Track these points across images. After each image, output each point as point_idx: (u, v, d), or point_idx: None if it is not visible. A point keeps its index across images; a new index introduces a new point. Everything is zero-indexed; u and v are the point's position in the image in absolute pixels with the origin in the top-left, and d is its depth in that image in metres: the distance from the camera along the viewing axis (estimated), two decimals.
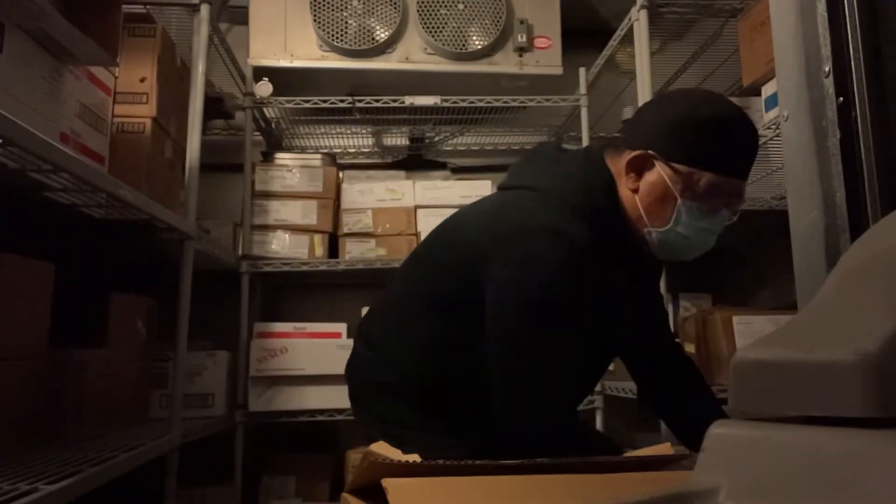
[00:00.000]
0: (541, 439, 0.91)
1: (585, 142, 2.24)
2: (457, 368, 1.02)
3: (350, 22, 2.06)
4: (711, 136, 0.94)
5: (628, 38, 1.85)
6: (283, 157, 2.23)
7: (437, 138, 2.51)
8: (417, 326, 1.04)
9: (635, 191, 0.98)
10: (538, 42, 2.15)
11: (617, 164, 1.01)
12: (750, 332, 1.69)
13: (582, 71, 2.25)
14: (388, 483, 0.49)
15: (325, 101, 2.12)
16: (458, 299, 1.00)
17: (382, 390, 1.07)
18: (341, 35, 2.05)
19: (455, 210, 2.09)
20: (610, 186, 1.00)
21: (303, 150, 2.53)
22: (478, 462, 0.55)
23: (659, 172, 0.95)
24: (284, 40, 2.08)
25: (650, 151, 0.96)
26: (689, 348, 1.81)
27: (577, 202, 0.96)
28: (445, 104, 2.12)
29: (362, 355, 1.13)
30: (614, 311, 1.04)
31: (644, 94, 1.71)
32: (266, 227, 2.09)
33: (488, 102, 2.14)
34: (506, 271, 0.94)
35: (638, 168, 0.97)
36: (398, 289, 1.14)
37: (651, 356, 1.19)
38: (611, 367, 2.14)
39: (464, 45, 2.09)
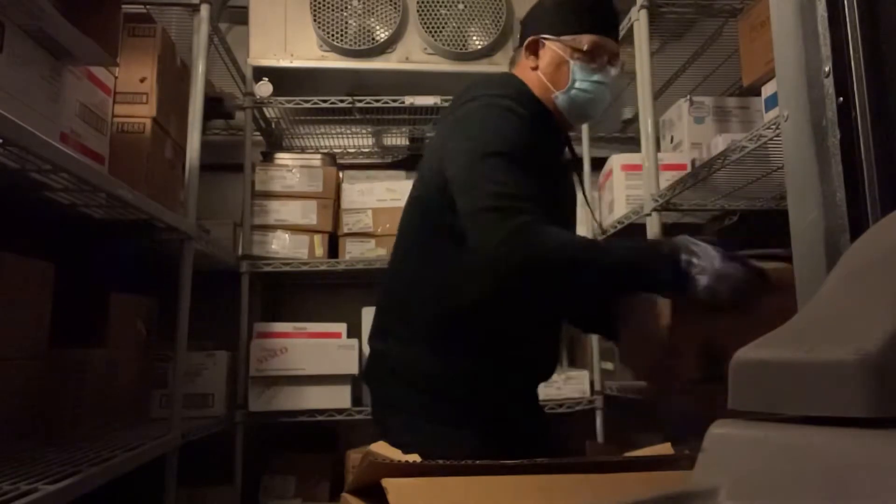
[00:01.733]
0: (536, 252, 0.94)
1: (586, 142, 2.24)
2: (454, 316, 1.06)
3: (350, 22, 2.06)
4: (580, 6, 1.18)
5: (628, 38, 1.85)
6: (283, 157, 2.23)
7: None
8: (406, 281, 1.13)
9: (536, 68, 1.18)
10: None
11: (515, 65, 1.23)
12: None
13: None
14: (388, 483, 0.49)
15: (325, 101, 2.12)
16: (435, 209, 1.08)
17: (394, 379, 1.10)
18: (341, 35, 2.05)
19: None
20: (515, 77, 1.18)
21: (303, 150, 2.53)
22: (478, 462, 0.55)
23: (550, 48, 1.17)
24: (284, 40, 2.08)
25: (539, 36, 1.18)
26: None
27: (501, 91, 1.10)
28: (445, 104, 2.12)
29: (373, 349, 1.18)
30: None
31: (644, 94, 1.71)
32: (266, 227, 2.09)
33: None
34: (461, 132, 1.06)
35: (534, 50, 1.18)
36: (388, 271, 1.23)
37: None
38: (610, 367, 2.14)
39: (464, 45, 2.09)
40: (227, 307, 2.04)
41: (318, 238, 2.11)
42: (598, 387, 2.15)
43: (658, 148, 1.80)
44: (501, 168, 0.98)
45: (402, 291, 1.14)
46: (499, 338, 1.08)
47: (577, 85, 1.16)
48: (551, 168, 1.16)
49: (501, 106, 1.06)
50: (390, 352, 1.12)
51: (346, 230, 2.13)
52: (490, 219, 0.94)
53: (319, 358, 1.96)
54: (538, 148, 1.07)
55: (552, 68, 1.17)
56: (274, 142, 2.47)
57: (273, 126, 2.38)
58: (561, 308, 1.21)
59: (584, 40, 1.16)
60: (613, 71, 1.19)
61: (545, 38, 1.17)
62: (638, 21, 1.74)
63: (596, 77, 1.17)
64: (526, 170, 0.99)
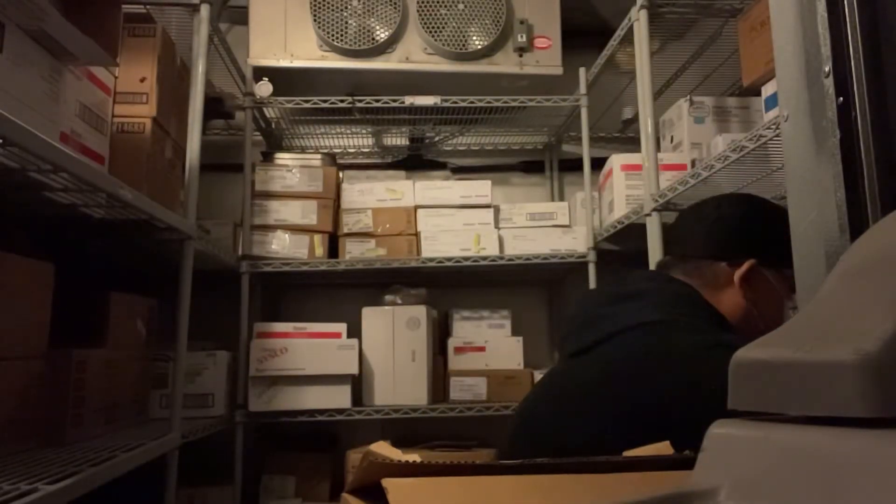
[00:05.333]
0: None
1: (586, 142, 2.24)
2: None
3: (350, 22, 2.06)
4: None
5: (628, 38, 1.85)
6: (283, 157, 2.23)
7: (437, 138, 2.51)
8: None
9: (752, 300, 0.98)
10: (538, 42, 2.15)
11: (703, 278, 1.00)
12: None
13: (582, 71, 2.25)
14: (388, 483, 0.49)
15: (325, 101, 2.12)
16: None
17: None
18: (341, 35, 2.05)
19: (455, 209, 2.12)
20: (701, 298, 0.98)
21: (303, 150, 2.53)
22: (478, 462, 0.55)
23: (768, 280, 0.98)
24: (284, 40, 2.08)
25: (755, 261, 0.97)
26: None
27: (702, 321, 0.93)
28: (445, 104, 2.12)
29: None
30: None
31: (644, 94, 1.71)
32: (266, 227, 2.09)
33: (488, 102, 2.14)
34: (690, 387, 0.83)
35: (748, 279, 0.98)
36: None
37: None
38: None
39: (464, 45, 2.09)
40: (227, 307, 2.04)
41: (318, 238, 2.11)
42: None
43: (658, 148, 1.80)
44: None
45: None
46: None
47: None
48: None
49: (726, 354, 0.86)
50: None
51: (346, 230, 2.13)
52: None
53: (319, 358, 1.96)
54: None
55: (771, 307, 0.98)
56: (274, 142, 2.47)
57: (273, 126, 2.38)
58: None
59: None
60: None
61: (765, 267, 0.98)
62: (638, 21, 1.74)
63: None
64: None
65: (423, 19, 2.07)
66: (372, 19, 2.07)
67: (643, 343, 0.89)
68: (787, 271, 0.94)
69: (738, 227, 1.02)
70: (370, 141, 2.53)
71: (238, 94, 2.19)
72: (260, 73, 2.07)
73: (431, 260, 2.08)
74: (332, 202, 2.14)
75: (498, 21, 2.09)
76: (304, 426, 2.03)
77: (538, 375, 2.06)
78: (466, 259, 2.08)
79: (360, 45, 2.06)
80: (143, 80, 1.48)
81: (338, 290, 2.43)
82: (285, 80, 2.09)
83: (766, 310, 0.98)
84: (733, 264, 0.99)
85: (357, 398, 2.01)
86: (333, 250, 2.14)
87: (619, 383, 0.88)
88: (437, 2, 2.08)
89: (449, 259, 2.08)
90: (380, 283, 2.27)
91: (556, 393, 0.98)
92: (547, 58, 2.15)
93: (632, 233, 1.87)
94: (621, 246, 2.15)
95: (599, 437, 0.87)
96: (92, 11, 1.16)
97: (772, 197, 1.74)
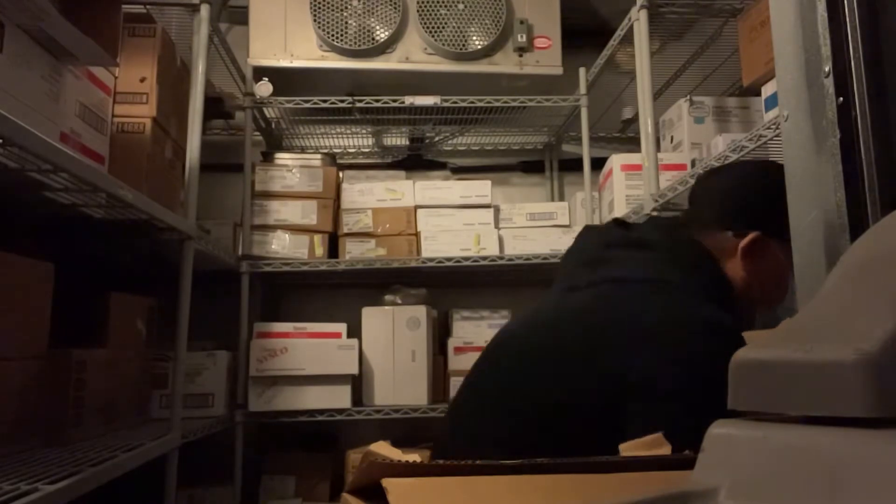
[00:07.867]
0: None
1: (586, 142, 2.24)
2: None
3: (350, 22, 2.06)
4: None
5: (628, 38, 1.85)
6: (283, 157, 2.23)
7: (437, 138, 2.51)
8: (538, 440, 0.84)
9: (752, 273, 0.94)
10: (538, 42, 2.15)
11: (710, 243, 0.96)
12: None
13: (582, 71, 2.25)
14: (388, 483, 0.49)
15: (325, 101, 2.12)
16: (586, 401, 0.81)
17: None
18: (341, 35, 2.05)
19: (455, 209, 2.12)
20: (722, 272, 0.94)
21: (303, 150, 2.53)
22: (478, 462, 0.55)
23: (775, 252, 0.93)
24: (284, 40, 2.08)
25: (760, 233, 0.93)
26: None
27: (714, 293, 0.89)
28: (445, 104, 2.12)
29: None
30: None
31: (644, 94, 1.71)
32: (266, 227, 2.09)
33: (488, 102, 2.14)
34: (668, 369, 0.79)
35: (752, 251, 0.94)
36: (495, 398, 0.91)
37: None
38: None
39: (464, 45, 2.09)
40: (227, 307, 2.04)
41: (318, 238, 2.11)
42: None
43: (658, 148, 1.80)
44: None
45: None
46: None
47: (789, 304, 0.97)
48: None
49: (721, 341, 0.76)
50: None
51: (346, 230, 2.13)
52: None
53: (319, 358, 1.96)
54: None
55: (775, 280, 0.95)
56: (274, 142, 2.47)
57: (273, 126, 2.38)
58: None
59: None
60: None
61: (771, 239, 0.93)
62: (638, 21, 1.74)
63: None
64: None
65: (423, 19, 2.07)
66: (372, 19, 2.07)
67: (635, 303, 0.84)
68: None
69: (745, 198, 0.98)
70: (370, 141, 2.53)
71: (238, 94, 2.19)
72: (260, 73, 2.07)
73: (431, 260, 2.08)
74: (332, 202, 2.14)
75: (498, 21, 2.09)
76: (304, 426, 2.03)
77: None
78: (466, 259, 2.08)
79: (360, 45, 2.06)
80: (143, 80, 1.49)
81: (338, 290, 2.43)
82: (285, 80, 2.09)
83: (766, 282, 0.95)
84: (738, 234, 0.95)
85: (357, 398, 2.01)
86: (333, 250, 2.14)
87: (600, 344, 0.82)
88: (437, 2, 2.08)
89: (449, 259, 2.08)
90: (380, 283, 2.27)
91: (545, 321, 0.93)
92: (547, 58, 2.15)
93: None
94: None
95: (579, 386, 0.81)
96: (92, 11, 1.16)
97: None
